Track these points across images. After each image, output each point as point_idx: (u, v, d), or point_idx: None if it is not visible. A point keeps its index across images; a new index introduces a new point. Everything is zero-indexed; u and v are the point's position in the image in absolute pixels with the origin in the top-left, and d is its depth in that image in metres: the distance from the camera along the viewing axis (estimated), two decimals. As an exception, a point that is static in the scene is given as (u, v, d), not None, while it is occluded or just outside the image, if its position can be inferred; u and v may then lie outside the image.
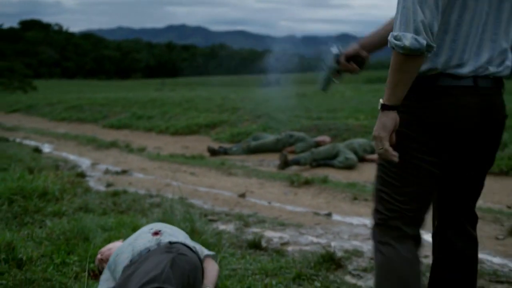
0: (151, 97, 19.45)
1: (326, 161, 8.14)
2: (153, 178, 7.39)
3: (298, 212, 5.44)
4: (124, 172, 7.88)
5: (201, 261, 2.81)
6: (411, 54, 1.76)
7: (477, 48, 1.90)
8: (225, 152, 9.69)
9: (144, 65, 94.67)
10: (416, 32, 1.74)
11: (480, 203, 5.72)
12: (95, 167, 8.42)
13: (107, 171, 7.92)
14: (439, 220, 2.21)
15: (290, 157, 8.33)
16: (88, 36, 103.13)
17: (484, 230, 4.70)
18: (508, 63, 1.98)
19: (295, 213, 5.41)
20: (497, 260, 3.92)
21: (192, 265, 2.67)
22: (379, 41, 2.25)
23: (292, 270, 3.38)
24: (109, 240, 3.66)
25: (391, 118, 1.86)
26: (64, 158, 9.35)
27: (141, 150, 10.44)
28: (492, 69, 1.93)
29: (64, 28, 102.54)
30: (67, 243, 3.73)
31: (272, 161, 8.79)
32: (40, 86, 44.71)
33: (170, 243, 2.76)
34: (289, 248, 4.10)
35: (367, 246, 4.15)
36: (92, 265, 3.36)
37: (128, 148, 10.61)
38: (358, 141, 8.51)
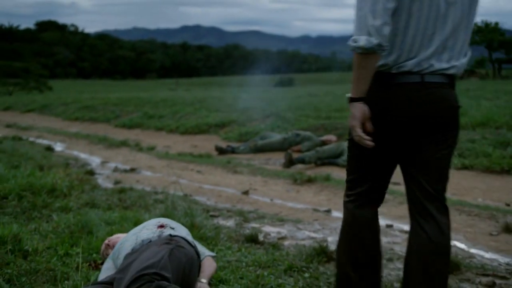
0: (163, 97, 19.68)
1: (331, 159, 8.26)
2: (160, 176, 7.57)
3: (298, 209, 5.57)
4: (132, 170, 8.06)
5: (198, 256, 2.99)
6: (366, 53, 2.12)
7: (422, 48, 2.22)
8: (233, 151, 9.85)
9: (159, 65, 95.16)
10: (369, 34, 2.09)
11: (479, 200, 5.83)
12: (105, 165, 8.62)
13: (116, 169, 8.11)
14: (408, 206, 2.40)
15: (296, 155, 8.46)
16: (103, 37, 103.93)
17: (479, 227, 4.80)
18: (454, 62, 2.26)
19: (296, 209, 5.54)
20: (488, 255, 4.01)
21: (189, 258, 2.83)
22: None
23: (285, 262, 3.51)
24: (111, 234, 3.82)
25: (358, 108, 2.20)
26: (75, 157, 9.57)
27: (151, 149, 10.64)
28: (437, 66, 2.23)
29: (80, 29, 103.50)
30: (71, 236, 3.89)
31: (278, 159, 8.92)
32: (55, 86, 45.24)
33: (171, 235, 2.93)
34: (286, 243, 4.22)
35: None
36: (94, 255, 3.53)
37: (138, 147, 10.82)
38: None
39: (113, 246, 3.16)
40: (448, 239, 2.32)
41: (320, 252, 3.66)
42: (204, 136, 12.30)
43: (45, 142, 11.89)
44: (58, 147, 11.25)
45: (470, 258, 3.90)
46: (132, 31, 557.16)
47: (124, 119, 15.72)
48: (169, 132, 13.30)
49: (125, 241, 3.00)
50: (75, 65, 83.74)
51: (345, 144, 8.46)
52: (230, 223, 4.80)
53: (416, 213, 2.34)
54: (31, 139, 12.35)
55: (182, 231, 3.08)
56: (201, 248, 3.19)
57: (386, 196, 2.55)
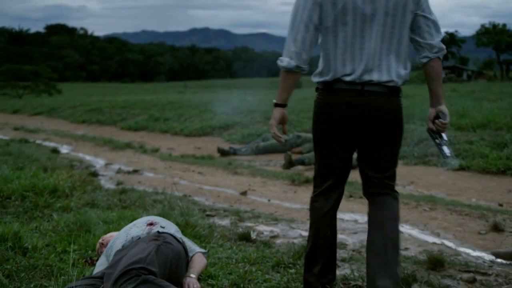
0: (169, 100, 19.85)
1: (330, 161, 8.37)
2: (161, 177, 7.72)
3: (293, 209, 5.69)
4: (135, 171, 8.22)
5: (186, 252, 3.12)
6: (287, 71, 2.70)
7: (354, 63, 2.65)
8: (235, 152, 9.99)
9: (168, 68, 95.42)
10: (290, 57, 2.67)
11: (472, 201, 5.92)
12: (108, 167, 8.79)
13: (119, 171, 8.28)
14: (363, 192, 2.93)
15: (296, 157, 8.58)
16: (112, 40, 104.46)
17: (468, 226, 4.89)
18: (391, 75, 2.64)
19: (291, 209, 5.67)
20: (474, 253, 4.10)
21: (176, 253, 2.96)
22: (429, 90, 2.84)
23: (273, 259, 3.63)
24: (108, 232, 3.96)
25: (279, 112, 2.81)
26: (80, 159, 9.75)
27: (155, 151, 10.81)
28: (374, 77, 2.64)
29: (89, 32, 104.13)
30: (70, 234, 4.03)
31: (279, 161, 9.05)
32: (65, 89, 45.56)
33: (159, 232, 3.07)
34: (278, 241, 4.34)
35: (352, 240, 4.39)
36: (90, 252, 3.68)
37: (142, 149, 11.00)
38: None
39: (107, 244, 3.30)
40: (395, 209, 2.78)
41: (308, 249, 3.77)
42: (207, 138, 12.47)
43: (51, 144, 12.09)
44: (64, 149, 11.45)
45: (456, 255, 4.00)
46: (141, 34, 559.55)
47: (130, 121, 15.92)
48: (174, 134, 13.49)
49: (116, 239, 3.14)
50: (85, 68, 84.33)
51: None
52: (225, 222, 4.93)
53: (366, 196, 2.88)
54: (38, 141, 12.55)
55: (171, 228, 3.21)
56: (192, 245, 3.32)
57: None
